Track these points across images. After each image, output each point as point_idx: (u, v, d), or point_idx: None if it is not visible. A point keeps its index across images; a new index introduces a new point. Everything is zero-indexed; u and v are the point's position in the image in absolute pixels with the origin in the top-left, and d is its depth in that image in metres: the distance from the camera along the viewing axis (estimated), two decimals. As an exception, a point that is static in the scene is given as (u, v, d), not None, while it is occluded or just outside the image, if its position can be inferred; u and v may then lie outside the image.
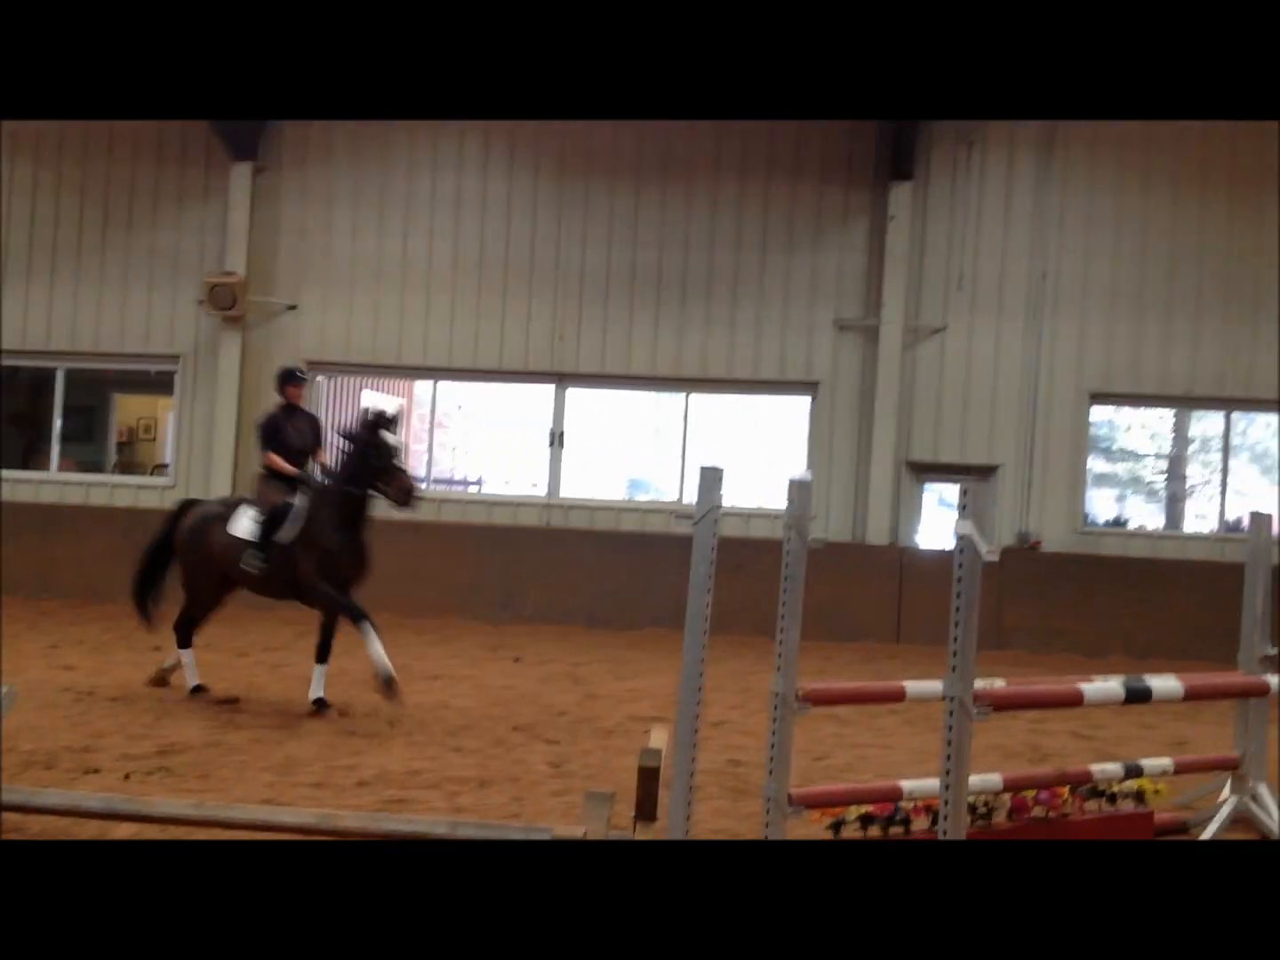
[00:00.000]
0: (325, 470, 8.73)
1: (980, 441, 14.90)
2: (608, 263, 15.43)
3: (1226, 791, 6.19)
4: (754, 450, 15.61)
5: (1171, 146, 14.68)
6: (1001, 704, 4.41)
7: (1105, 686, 4.86)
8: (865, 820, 5.23)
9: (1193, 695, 5.32)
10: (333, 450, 8.91)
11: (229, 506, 8.92)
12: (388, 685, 7.95)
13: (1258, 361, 14.56)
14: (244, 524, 8.56)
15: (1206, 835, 5.89)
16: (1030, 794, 5.56)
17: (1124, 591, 13.84)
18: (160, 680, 8.95)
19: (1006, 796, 5.50)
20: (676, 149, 15.34)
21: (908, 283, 14.88)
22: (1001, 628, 13.46)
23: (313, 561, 8.29)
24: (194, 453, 15.81)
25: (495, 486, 16.72)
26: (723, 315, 15.26)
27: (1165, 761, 6.06)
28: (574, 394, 15.72)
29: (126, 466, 17.33)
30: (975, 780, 5.00)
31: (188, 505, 9.33)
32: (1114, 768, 5.71)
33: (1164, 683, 5.10)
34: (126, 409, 17.83)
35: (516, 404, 16.50)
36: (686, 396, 15.58)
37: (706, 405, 15.72)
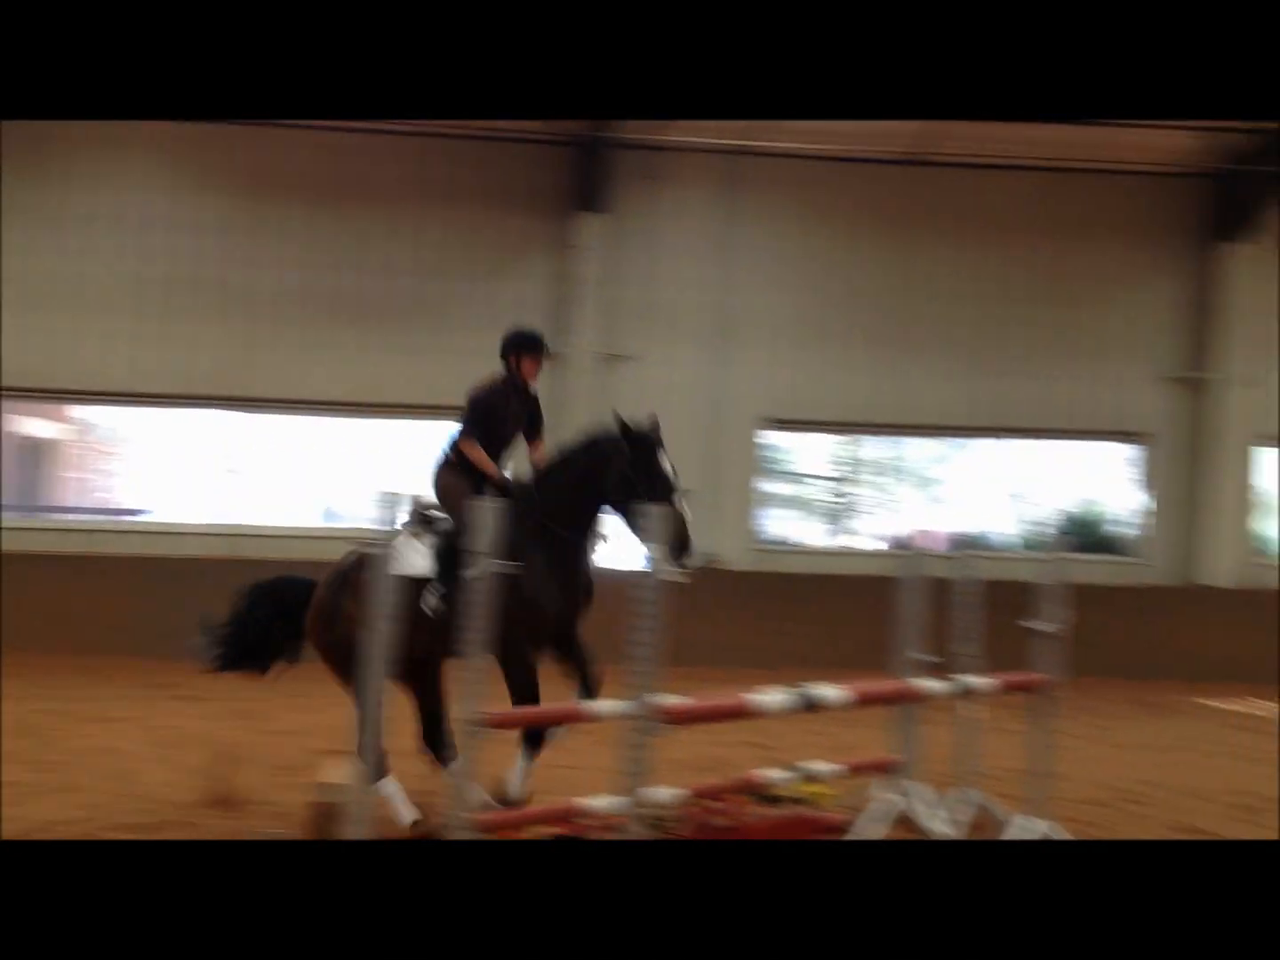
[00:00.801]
0: (538, 475, 6.55)
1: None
2: (285, 286, 14.94)
3: (885, 791, 6.57)
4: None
5: (840, 185, 15.59)
6: (681, 719, 4.54)
7: (778, 697, 5.09)
8: (552, 841, 5.25)
9: (859, 702, 5.64)
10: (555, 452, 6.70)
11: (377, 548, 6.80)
12: (504, 803, 5.97)
13: (920, 390, 15.66)
14: (413, 557, 6.20)
15: (864, 831, 6.23)
16: (709, 804, 5.75)
17: (797, 606, 14.53)
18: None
19: (687, 808, 5.66)
20: (355, 170, 15.06)
21: (596, 312, 15.17)
22: (681, 644, 13.79)
23: (520, 617, 5.83)
24: None
25: (167, 516, 15.85)
26: (407, 341, 15.06)
27: (833, 766, 6.39)
28: (253, 420, 15.15)
29: None
30: (657, 793, 5.12)
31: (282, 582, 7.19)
32: (786, 774, 5.98)
33: (832, 691, 5.38)
34: None
35: (192, 430, 15.73)
36: (369, 423, 15.32)
37: (391, 432, 15.49)
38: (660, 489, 6.17)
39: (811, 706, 5.16)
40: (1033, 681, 6.00)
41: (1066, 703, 6.49)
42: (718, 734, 8.96)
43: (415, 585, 6.08)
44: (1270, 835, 6.84)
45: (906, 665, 6.45)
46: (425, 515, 6.47)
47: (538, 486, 6.41)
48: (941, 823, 6.37)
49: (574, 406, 14.97)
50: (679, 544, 5.92)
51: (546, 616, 6.10)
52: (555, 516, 6.23)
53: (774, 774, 5.93)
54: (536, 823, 5.03)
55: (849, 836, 6.19)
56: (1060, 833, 5.91)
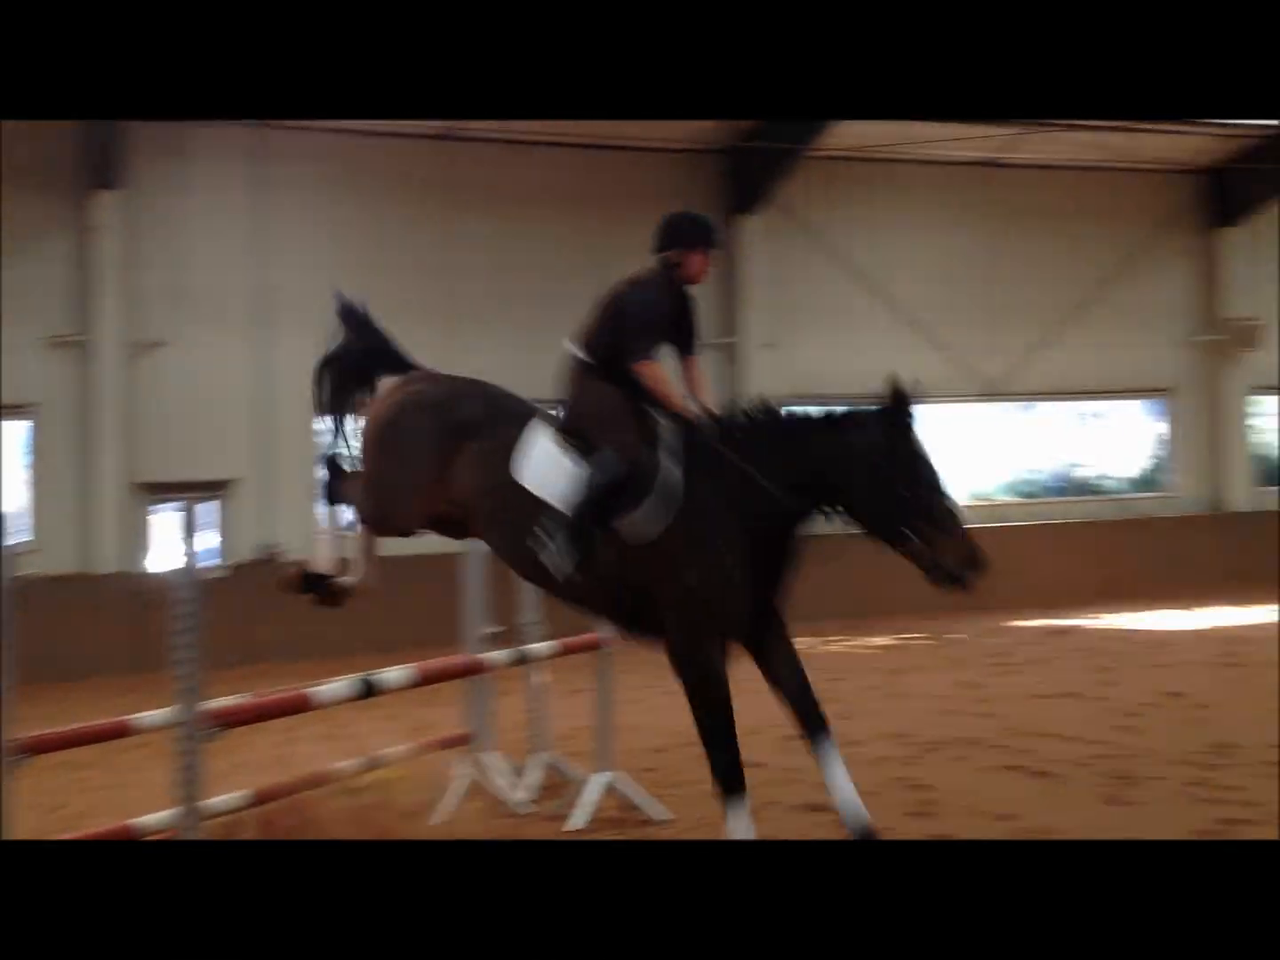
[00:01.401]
0: (751, 419, 4.86)
1: (213, 456, 14.59)
2: None
3: (459, 765, 6.59)
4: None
5: (375, 159, 15.30)
6: (232, 720, 4.33)
7: (337, 686, 4.96)
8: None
9: (423, 681, 5.60)
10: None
11: (514, 418, 5.17)
12: None
13: (464, 363, 15.61)
14: (553, 471, 4.83)
15: (444, 809, 6.23)
16: (278, 805, 5.52)
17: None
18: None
19: (256, 812, 5.41)
20: None
21: (122, 297, 14.16)
22: (254, 641, 13.23)
23: (703, 591, 4.64)
24: None
25: None
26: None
27: (405, 748, 6.34)
28: None
29: None
30: (218, 801, 4.87)
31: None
32: (357, 763, 5.86)
33: (393, 673, 5.32)
34: None
35: None
36: None
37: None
38: (924, 485, 4.55)
39: (372, 691, 5.07)
40: (591, 642, 6.20)
41: (629, 659, 6.76)
42: (288, 730, 8.65)
43: (532, 504, 4.81)
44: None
45: (474, 639, 6.49)
46: (579, 430, 4.96)
47: (749, 430, 4.84)
48: (519, 790, 6.47)
49: (100, 398, 13.96)
50: (967, 559, 4.48)
51: (738, 598, 4.68)
52: (769, 474, 4.68)
53: (342, 764, 5.79)
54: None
55: (431, 816, 6.16)
56: (626, 782, 6.16)
